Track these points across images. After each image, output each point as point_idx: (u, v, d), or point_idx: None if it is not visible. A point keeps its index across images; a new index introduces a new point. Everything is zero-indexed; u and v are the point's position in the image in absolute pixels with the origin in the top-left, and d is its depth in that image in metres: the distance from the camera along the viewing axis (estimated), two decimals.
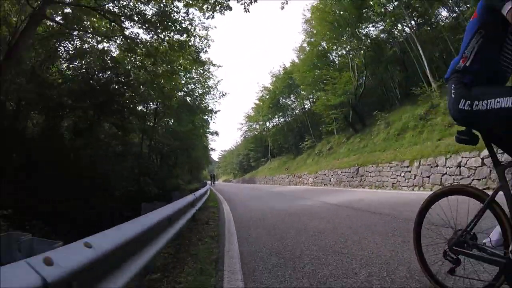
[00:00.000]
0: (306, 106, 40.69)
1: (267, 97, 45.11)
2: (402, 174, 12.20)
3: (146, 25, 10.65)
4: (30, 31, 8.10)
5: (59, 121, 11.48)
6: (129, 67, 13.83)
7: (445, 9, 20.58)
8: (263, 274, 2.82)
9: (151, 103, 18.74)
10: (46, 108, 11.12)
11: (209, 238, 4.85)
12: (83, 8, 10.28)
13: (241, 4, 9.83)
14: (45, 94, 10.37)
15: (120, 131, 13.56)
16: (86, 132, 12.26)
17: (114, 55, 14.49)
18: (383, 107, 23.46)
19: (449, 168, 10.00)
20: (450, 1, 18.95)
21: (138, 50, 11.91)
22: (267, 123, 50.15)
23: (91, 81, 13.36)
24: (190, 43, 11.62)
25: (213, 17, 11.34)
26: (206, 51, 15.09)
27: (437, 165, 10.50)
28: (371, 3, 20.10)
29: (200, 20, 16.27)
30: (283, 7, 16.02)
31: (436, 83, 16.67)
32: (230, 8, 9.99)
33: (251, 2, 9.53)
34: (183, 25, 11.06)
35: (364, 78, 24.38)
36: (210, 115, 26.03)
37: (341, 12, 23.53)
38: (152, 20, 10.78)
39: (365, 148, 18.33)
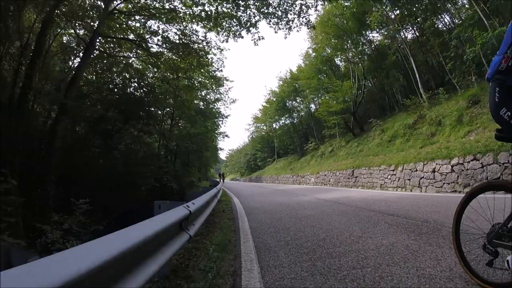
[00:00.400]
0: (311, 108, 42.38)
1: (274, 99, 46.82)
2: (389, 177, 14.05)
3: (170, 47, 12.64)
4: (86, 59, 10.10)
5: (95, 127, 13.39)
6: (153, 79, 15.87)
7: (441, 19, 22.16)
8: (264, 235, 4.78)
9: (168, 108, 20.74)
10: (85, 118, 12.99)
11: (227, 219, 6.84)
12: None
13: (252, 39, 11.69)
14: (85, 105, 12.33)
15: (144, 134, 15.58)
16: (116, 136, 14.27)
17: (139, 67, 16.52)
18: (384, 113, 25.18)
19: (426, 172, 11.82)
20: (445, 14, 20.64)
21: (162, 66, 13.93)
22: (274, 125, 51.89)
23: (119, 91, 15.41)
24: (207, 61, 13.60)
25: (227, 41, 13.33)
26: (221, 70, 17.07)
27: (417, 170, 12.33)
28: (370, 20, 21.71)
29: (216, 44, 18.18)
30: (286, 37, 17.61)
31: (426, 94, 18.39)
32: (242, 37, 11.91)
33: (259, 38, 11.35)
34: (201, 45, 13.02)
35: (363, 86, 26.06)
36: (221, 119, 28.33)
37: (343, 23, 25.33)
38: (175, 41, 12.78)
39: (361, 152, 20.15)
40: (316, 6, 11.71)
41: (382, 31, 25.32)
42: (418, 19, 21.28)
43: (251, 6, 10.14)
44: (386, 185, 14.13)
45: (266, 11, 10.26)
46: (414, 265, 2.75)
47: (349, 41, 26.42)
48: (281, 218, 6.50)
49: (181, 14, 12.28)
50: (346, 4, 24.15)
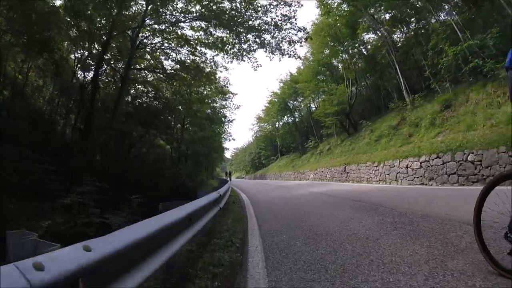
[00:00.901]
0: (312, 108, 44.52)
1: (276, 100, 49.04)
2: (373, 172, 16.33)
3: (182, 68, 14.99)
4: (124, 88, 12.48)
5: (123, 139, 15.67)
6: (167, 93, 18.23)
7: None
8: (264, 215, 7.15)
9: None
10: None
11: (238, 207, 9.22)
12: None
13: (252, 66, 14.08)
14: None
15: (160, 141, 17.98)
16: (137, 144, 16.66)
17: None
18: (379, 112, 27.22)
19: (401, 168, 14.10)
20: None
21: (175, 83, 16.27)
22: (277, 124, 54.13)
23: (138, 104, 17.81)
24: (215, 79, 15.96)
25: (231, 62, 15.71)
26: (227, 86, 19.60)
27: (394, 166, 14.60)
28: (359, 30, 23.90)
29: (222, 64, 20.56)
30: (280, 60, 18.90)
31: (409, 98, 20.57)
32: (244, 60, 14.16)
33: (258, 66, 13.66)
34: (210, 66, 15.42)
35: (356, 90, 28.31)
36: (227, 123, 30.89)
37: (337, 31, 27.52)
38: (187, 62, 15.14)
39: (353, 150, 22.44)
40: (301, 42, 13.94)
41: (373, 35, 27.54)
42: (410, 22, 23.52)
43: (251, 39, 12.52)
44: (371, 179, 16.42)
45: (261, 43, 12.65)
46: (355, 225, 5.10)
47: (342, 46, 28.69)
48: (277, 205, 8.88)
49: (190, 39, 14.66)
50: (338, 14, 26.34)
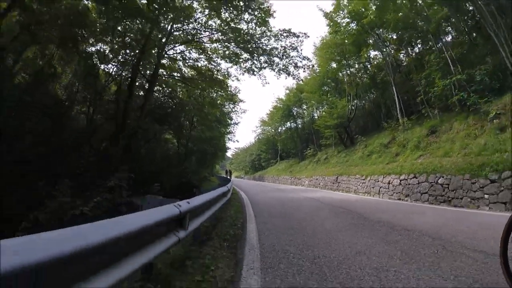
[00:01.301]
0: (315, 116, 46.25)
1: (281, 106, 50.79)
2: (360, 184, 18.11)
3: (197, 76, 16.85)
4: (151, 92, 14.32)
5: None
6: (181, 93, 20.05)
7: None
8: (259, 210, 8.97)
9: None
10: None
11: (238, 203, 11.04)
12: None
13: (261, 82, 15.85)
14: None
15: (174, 138, 19.80)
16: (152, 139, 18.42)
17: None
18: (378, 128, 28.90)
19: (384, 183, 15.88)
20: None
21: (190, 86, 18.10)
22: (279, 129, 55.88)
23: (155, 102, 19.62)
24: (226, 85, 17.82)
25: (243, 75, 17.54)
26: (237, 94, 21.58)
27: (378, 181, 16.38)
28: (363, 51, 25.70)
29: (234, 75, 22.57)
30: (286, 78, 20.63)
31: (403, 119, 22.31)
32: (254, 75, 15.98)
33: (266, 83, 15.47)
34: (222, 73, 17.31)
35: (356, 105, 30.14)
36: (233, 125, 32.72)
37: (343, 48, 29.33)
38: (203, 71, 16.99)
39: (347, 162, 24.21)
40: (305, 69, 15.98)
41: (379, 53, 29.27)
42: (414, 45, 25.32)
43: (262, 60, 14.42)
44: (358, 190, 18.19)
45: (271, 63, 14.57)
46: (327, 221, 6.90)
47: (348, 62, 30.53)
48: (271, 204, 10.70)
49: (208, 48, 16.50)
50: (346, 33, 28.13)
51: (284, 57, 14.40)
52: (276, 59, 14.46)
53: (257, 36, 13.81)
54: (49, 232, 1.43)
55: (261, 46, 14.01)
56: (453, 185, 11.66)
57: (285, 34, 13.80)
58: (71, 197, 7.18)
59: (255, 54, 14.25)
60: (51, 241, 1.41)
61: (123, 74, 13.72)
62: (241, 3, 13.36)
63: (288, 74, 15.18)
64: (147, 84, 14.01)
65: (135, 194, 9.13)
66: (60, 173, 8.35)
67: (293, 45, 14.18)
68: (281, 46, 14.19)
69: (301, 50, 14.55)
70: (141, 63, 13.28)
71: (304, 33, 14.20)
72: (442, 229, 5.45)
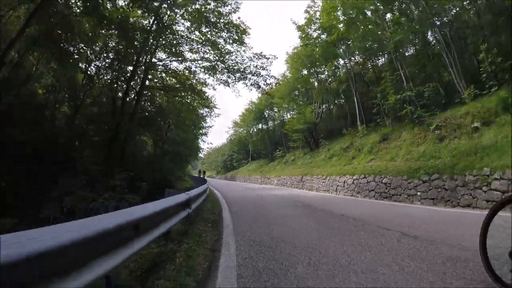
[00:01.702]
0: (285, 118, 48.61)
1: (253, 108, 52.81)
2: (322, 183, 20.44)
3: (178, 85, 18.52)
4: (139, 102, 15.74)
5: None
6: (160, 100, 21.50)
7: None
8: (231, 203, 10.88)
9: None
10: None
11: (214, 199, 12.87)
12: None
13: (235, 95, 17.89)
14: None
15: (149, 139, 21.18)
16: (131, 143, 19.73)
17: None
18: (340, 133, 31.53)
19: (340, 182, 18.24)
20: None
21: (170, 93, 19.64)
22: (251, 130, 57.88)
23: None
24: (204, 94, 19.59)
25: (219, 85, 19.36)
26: (212, 103, 23.51)
27: (336, 180, 18.75)
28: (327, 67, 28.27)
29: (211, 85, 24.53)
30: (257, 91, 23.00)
31: (361, 126, 24.97)
32: (229, 86, 17.89)
33: (239, 95, 17.65)
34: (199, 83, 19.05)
35: (321, 110, 32.80)
36: (207, 128, 34.43)
37: (313, 60, 31.86)
38: (182, 81, 18.64)
39: (311, 163, 26.62)
40: (272, 86, 18.28)
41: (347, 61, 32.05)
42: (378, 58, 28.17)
43: (236, 76, 16.60)
44: (319, 188, 20.51)
45: (244, 78, 16.75)
46: (285, 210, 8.91)
47: (317, 69, 33.17)
48: (241, 199, 12.62)
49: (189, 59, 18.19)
50: (316, 44, 30.65)
51: (256, 75, 16.53)
52: (249, 75, 16.54)
53: (232, 53, 15.79)
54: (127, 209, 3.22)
55: (237, 62, 16.02)
56: (394, 184, 14.05)
57: (257, 56, 15.96)
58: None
59: (231, 69, 16.18)
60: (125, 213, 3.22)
61: (117, 85, 15.10)
62: (222, 21, 15.27)
63: (259, 87, 17.35)
64: (135, 96, 15.43)
65: (131, 192, 10.70)
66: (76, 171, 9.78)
67: (263, 65, 16.38)
68: (253, 66, 16.33)
69: (269, 70, 16.70)
70: (134, 77, 14.72)
71: (274, 55, 16.48)
72: (368, 215, 7.56)
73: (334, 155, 23.85)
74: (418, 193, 12.57)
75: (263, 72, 16.85)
